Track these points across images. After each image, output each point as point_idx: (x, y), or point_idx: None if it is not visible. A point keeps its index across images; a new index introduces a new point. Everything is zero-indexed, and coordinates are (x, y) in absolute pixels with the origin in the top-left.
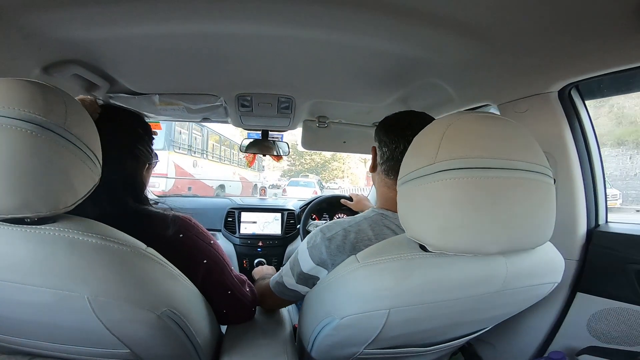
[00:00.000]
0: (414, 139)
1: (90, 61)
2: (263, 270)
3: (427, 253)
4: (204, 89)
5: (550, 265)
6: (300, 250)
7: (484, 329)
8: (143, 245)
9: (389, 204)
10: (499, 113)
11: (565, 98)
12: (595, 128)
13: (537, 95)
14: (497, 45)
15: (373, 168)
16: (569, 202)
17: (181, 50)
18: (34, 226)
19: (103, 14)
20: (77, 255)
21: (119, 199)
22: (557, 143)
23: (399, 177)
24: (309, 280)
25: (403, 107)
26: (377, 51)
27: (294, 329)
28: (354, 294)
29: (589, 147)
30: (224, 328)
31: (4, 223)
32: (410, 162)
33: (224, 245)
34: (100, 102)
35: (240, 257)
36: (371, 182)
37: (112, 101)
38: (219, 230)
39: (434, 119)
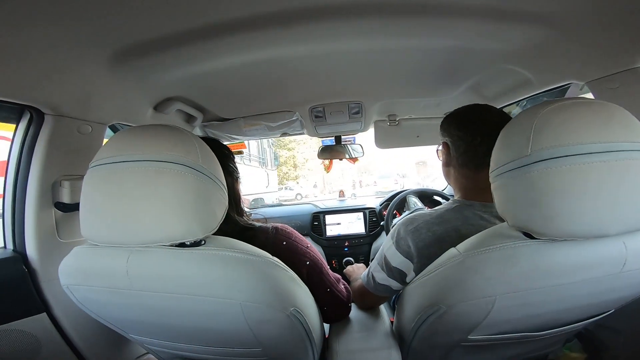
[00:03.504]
0: (502, 132)
1: (187, 96)
2: (355, 271)
3: (533, 240)
4: (281, 107)
5: None
6: (386, 245)
7: (605, 312)
8: (269, 255)
9: (471, 194)
10: (587, 93)
11: None
12: None
13: (627, 70)
14: (569, 28)
15: (447, 163)
16: None
17: (258, 76)
18: (193, 248)
19: (193, 52)
20: (230, 269)
21: (228, 214)
22: None
23: (490, 170)
24: (399, 275)
25: (474, 96)
26: (438, 48)
27: (391, 322)
28: (460, 283)
29: None
30: (326, 327)
31: (173, 247)
32: (500, 155)
33: None
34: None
35: (329, 258)
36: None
37: (206, 129)
38: (307, 235)
39: (498, 109)
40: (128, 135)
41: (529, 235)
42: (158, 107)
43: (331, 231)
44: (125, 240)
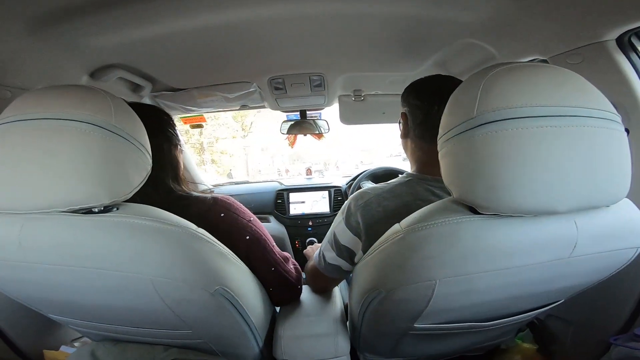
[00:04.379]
0: (451, 96)
1: (130, 64)
2: (313, 250)
3: (477, 215)
4: (237, 77)
5: (630, 225)
6: (336, 222)
7: (555, 302)
8: (193, 226)
9: (427, 168)
10: None
11: (625, 45)
12: None
13: (592, 45)
14: (533, 1)
15: (404, 134)
16: None
17: (209, 43)
18: (97, 215)
19: (132, 15)
20: (138, 239)
21: (161, 179)
22: (624, 91)
23: (438, 137)
24: (348, 254)
25: (441, 72)
26: (401, 16)
27: (346, 307)
28: (399, 264)
29: None
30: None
31: (75, 214)
32: (448, 120)
33: (276, 227)
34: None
35: (292, 237)
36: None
37: (156, 99)
38: (270, 213)
39: (460, 80)
40: (33, 95)
41: (474, 210)
42: (95, 75)
43: (295, 210)
44: (17, 206)
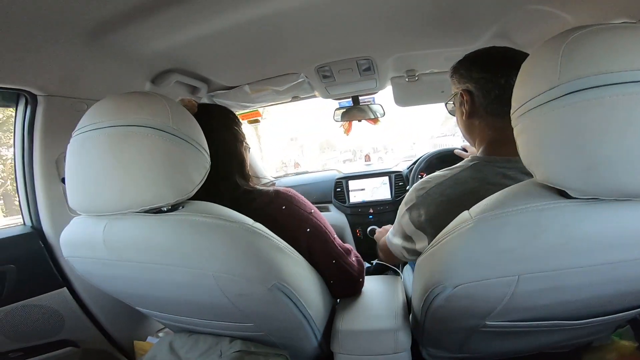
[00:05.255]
0: (522, 65)
1: (185, 67)
2: (382, 232)
3: (569, 200)
4: (284, 69)
5: None
6: (401, 212)
7: None
8: (250, 221)
9: (497, 149)
10: None
11: None
12: None
13: None
14: None
15: (470, 114)
16: None
17: (254, 36)
18: (164, 214)
19: (179, 17)
20: (200, 235)
21: (229, 175)
22: None
23: (512, 112)
24: (415, 242)
25: (504, 44)
26: None
27: (409, 299)
28: (467, 257)
29: None
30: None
31: (147, 214)
32: (522, 91)
33: (337, 216)
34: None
35: (353, 226)
36: None
37: (214, 99)
38: (330, 202)
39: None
40: (103, 104)
41: (564, 194)
42: (155, 81)
43: (355, 197)
44: (101, 209)
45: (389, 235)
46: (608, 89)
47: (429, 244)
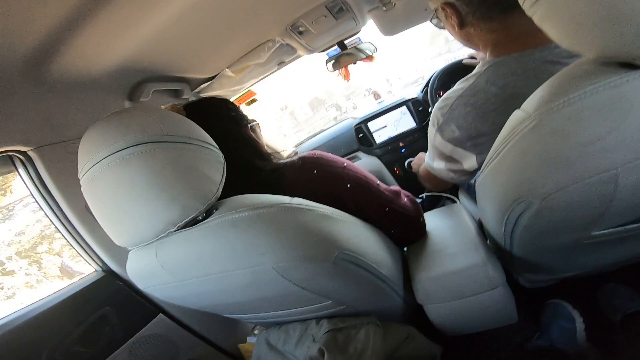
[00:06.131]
0: None
1: (156, 73)
2: (418, 160)
3: None
4: (257, 40)
5: None
6: (431, 136)
7: None
8: (287, 199)
9: (503, 49)
10: None
11: None
12: None
13: None
14: None
15: (460, 24)
16: None
17: (211, 17)
18: (202, 223)
19: (119, 23)
20: (242, 232)
21: (247, 162)
22: None
23: (521, 2)
24: (460, 161)
25: None
26: None
27: (480, 222)
28: (545, 160)
29: None
30: None
31: (186, 229)
32: None
33: (369, 162)
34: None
35: (389, 166)
36: None
37: (200, 95)
38: (358, 150)
39: None
40: (88, 137)
41: (630, 66)
42: (133, 97)
43: (380, 137)
44: (142, 239)
45: (427, 161)
46: None
47: (477, 160)
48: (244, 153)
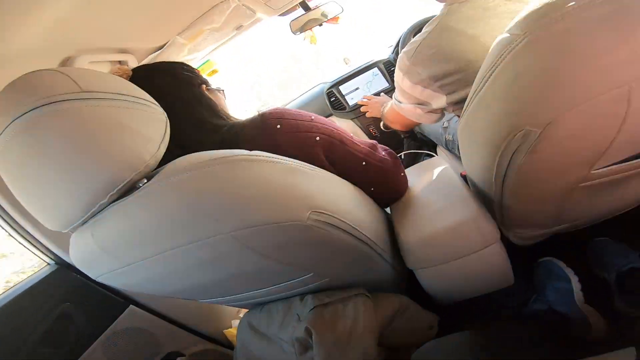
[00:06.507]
0: None
1: (89, 45)
2: (373, 103)
3: None
4: (210, 3)
5: None
6: (399, 80)
7: None
8: (244, 152)
9: None
10: None
11: None
12: None
13: None
14: None
15: None
16: None
17: None
18: (142, 188)
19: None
20: (191, 197)
21: (202, 120)
22: None
23: None
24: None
25: None
26: None
27: (464, 177)
28: (548, 78)
29: None
30: None
31: (120, 200)
32: None
33: (344, 126)
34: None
35: (364, 128)
36: None
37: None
38: (331, 115)
39: None
40: None
41: None
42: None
43: (353, 99)
44: (70, 218)
45: (394, 102)
46: None
47: (447, 100)
48: (198, 112)
